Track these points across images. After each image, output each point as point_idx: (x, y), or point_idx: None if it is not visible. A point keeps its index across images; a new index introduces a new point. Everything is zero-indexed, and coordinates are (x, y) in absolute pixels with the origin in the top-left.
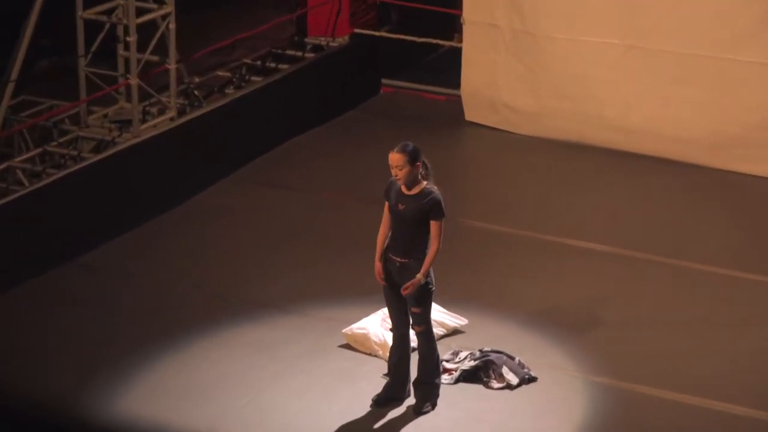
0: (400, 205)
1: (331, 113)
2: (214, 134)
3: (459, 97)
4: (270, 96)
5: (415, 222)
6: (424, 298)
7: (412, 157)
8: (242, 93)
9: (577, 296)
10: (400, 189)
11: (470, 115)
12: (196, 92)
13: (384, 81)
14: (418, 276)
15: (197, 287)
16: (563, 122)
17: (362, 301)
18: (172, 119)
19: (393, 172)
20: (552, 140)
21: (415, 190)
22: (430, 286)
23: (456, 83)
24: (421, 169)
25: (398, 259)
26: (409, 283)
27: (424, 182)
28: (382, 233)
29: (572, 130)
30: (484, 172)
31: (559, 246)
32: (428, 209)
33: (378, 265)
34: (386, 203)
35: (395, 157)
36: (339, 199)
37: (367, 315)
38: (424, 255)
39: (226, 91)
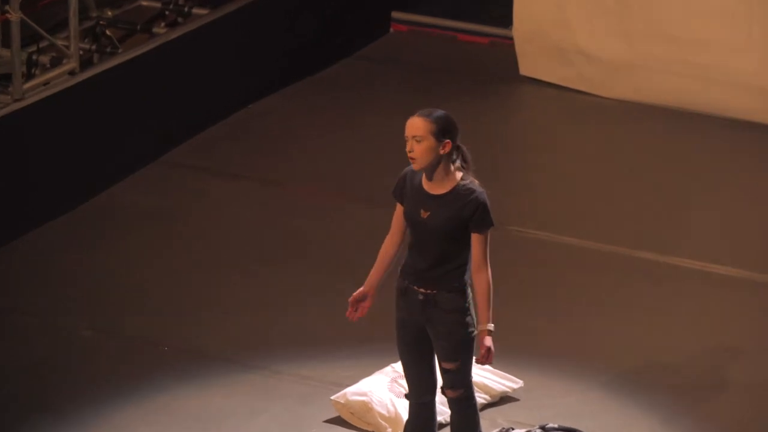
0: (423, 211)
1: (315, 63)
2: (135, 96)
3: (510, 39)
4: (222, 38)
5: (447, 235)
6: (462, 346)
7: (441, 127)
8: (179, 33)
9: (688, 342)
10: (421, 185)
11: (527, 67)
12: (108, 32)
13: (395, 14)
14: (480, 327)
15: (108, 333)
16: (670, 79)
17: (361, 352)
18: (72, 73)
19: (408, 147)
20: (652, 106)
21: (444, 187)
22: (471, 330)
23: (506, 19)
24: (453, 154)
25: (421, 290)
26: (483, 348)
27: (458, 175)
28: (387, 244)
29: (683, 90)
30: (548, 155)
31: (661, 267)
32: (469, 216)
33: (356, 292)
34: (398, 205)
35: (414, 123)
36: (324, 198)
37: (369, 373)
38: (462, 282)
39: (154, 30)
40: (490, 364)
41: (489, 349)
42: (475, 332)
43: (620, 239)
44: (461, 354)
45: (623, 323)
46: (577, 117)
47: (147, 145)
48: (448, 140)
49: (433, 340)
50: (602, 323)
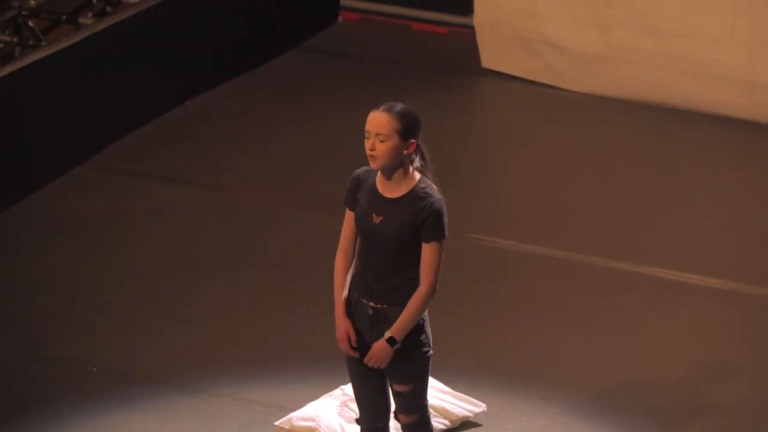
0: (375, 216)
1: (257, 56)
2: (61, 93)
3: (470, 28)
4: (155, 28)
5: (400, 243)
6: (416, 369)
7: (408, 126)
8: (107, 24)
9: (665, 359)
10: (375, 188)
11: (489, 59)
12: (30, 23)
13: (344, 2)
14: (387, 332)
15: (30, 353)
16: (646, 72)
17: (309, 373)
18: None
19: (368, 144)
20: (626, 101)
21: (400, 190)
22: (426, 350)
23: (466, 6)
24: (413, 155)
25: (371, 303)
26: (373, 350)
27: (416, 177)
28: (341, 262)
29: (660, 84)
30: (512, 156)
31: (636, 277)
32: (421, 222)
33: (342, 323)
34: (348, 211)
35: (379, 119)
36: (272, 204)
37: (317, 396)
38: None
39: (81, 20)
40: (375, 366)
41: (372, 354)
42: (431, 352)
43: (591, 248)
44: (415, 376)
45: (595, 340)
46: (545, 113)
47: (75, 146)
48: (413, 140)
49: None
50: (572, 340)
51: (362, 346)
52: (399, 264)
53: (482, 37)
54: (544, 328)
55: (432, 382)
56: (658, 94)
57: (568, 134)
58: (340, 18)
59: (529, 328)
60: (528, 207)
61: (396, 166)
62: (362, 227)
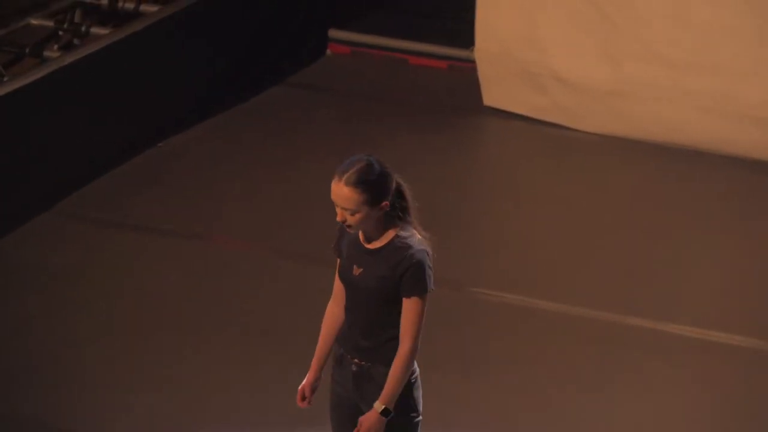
0: (355, 267)
1: (238, 92)
2: (22, 132)
3: (472, 63)
4: (126, 62)
5: (381, 298)
6: None
7: (374, 194)
8: (74, 58)
9: (688, 425)
10: (358, 236)
11: (492, 96)
12: None
13: (333, 33)
14: (376, 405)
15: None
16: (661, 110)
17: None
18: None
19: (339, 215)
20: (641, 141)
21: (381, 240)
22: (413, 415)
23: (467, 38)
24: (388, 207)
25: (355, 360)
26: (364, 423)
27: (397, 226)
28: (329, 312)
29: (677, 123)
30: (517, 201)
31: (654, 335)
32: (399, 276)
33: (309, 378)
34: (339, 261)
35: (341, 193)
36: (252, 255)
37: None
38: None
39: (46, 53)
40: None
41: (361, 426)
42: (419, 418)
43: (605, 303)
44: None
45: (610, 403)
46: (552, 154)
47: (39, 191)
48: (385, 201)
49: None
50: (584, 403)
51: (347, 408)
52: (382, 319)
53: (484, 72)
54: (554, 390)
55: None
56: (675, 133)
57: (577, 178)
58: (328, 51)
59: (538, 391)
60: (535, 258)
61: (373, 225)
62: (344, 280)
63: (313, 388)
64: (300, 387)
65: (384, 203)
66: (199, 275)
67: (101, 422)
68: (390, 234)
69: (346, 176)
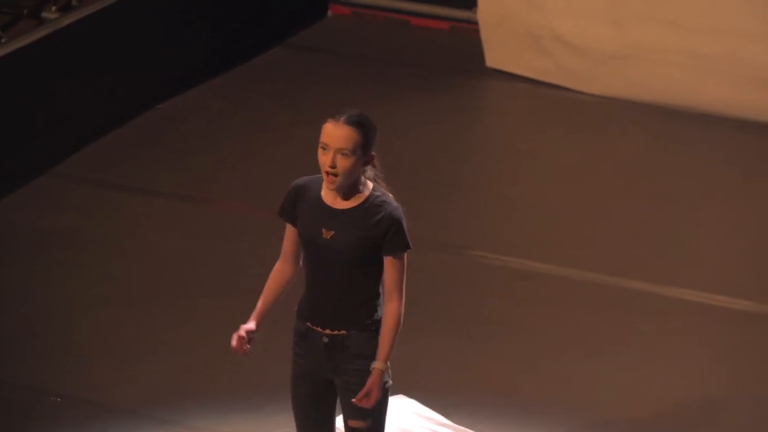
0: (325, 231)
1: (239, 53)
2: (21, 95)
3: (474, 24)
4: (126, 23)
5: (357, 260)
6: (375, 401)
7: (368, 138)
8: (73, 19)
9: (689, 387)
10: (321, 198)
11: (495, 58)
12: None
13: None
14: (377, 365)
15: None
16: (667, 72)
17: (288, 405)
18: None
19: (327, 160)
20: (646, 104)
21: (352, 201)
22: (384, 380)
23: (468, 0)
24: (372, 160)
25: (326, 331)
26: (369, 385)
27: (369, 186)
28: (279, 271)
29: (682, 86)
30: (520, 164)
31: (656, 299)
32: (382, 235)
33: (244, 327)
34: (289, 226)
35: (341, 132)
36: (254, 218)
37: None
38: (376, 320)
39: (44, 15)
40: (368, 407)
41: (370, 390)
42: (390, 383)
43: (607, 266)
44: (373, 410)
45: (611, 366)
46: (555, 117)
47: (37, 154)
48: (372, 153)
49: (339, 393)
50: (586, 366)
51: (316, 381)
52: (357, 282)
53: (487, 34)
54: (554, 353)
55: (430, 414)
56: (681, 96)
57: (581, 141)
58: (329, 12)
59: (538, 354)
60: (537, 221)
61: (354, 180)
62: (310, 245)
63: (249, 337)
64: (236, 336)
65: (371, 154)
66: (199, 238)
67: (104, 388)
68: (365, 193)
69: (345, 117)
